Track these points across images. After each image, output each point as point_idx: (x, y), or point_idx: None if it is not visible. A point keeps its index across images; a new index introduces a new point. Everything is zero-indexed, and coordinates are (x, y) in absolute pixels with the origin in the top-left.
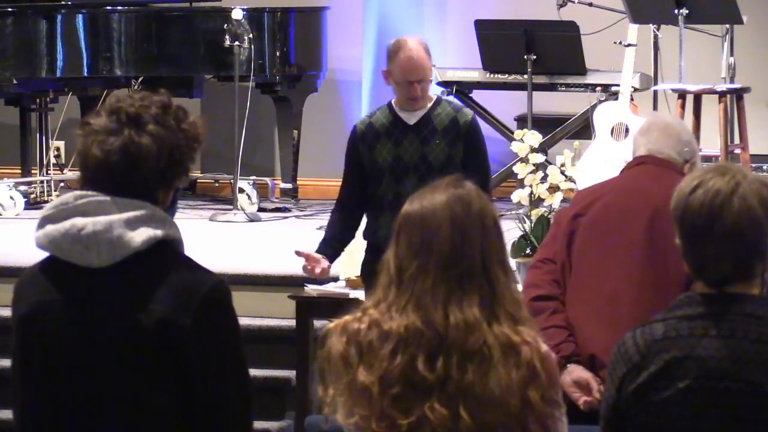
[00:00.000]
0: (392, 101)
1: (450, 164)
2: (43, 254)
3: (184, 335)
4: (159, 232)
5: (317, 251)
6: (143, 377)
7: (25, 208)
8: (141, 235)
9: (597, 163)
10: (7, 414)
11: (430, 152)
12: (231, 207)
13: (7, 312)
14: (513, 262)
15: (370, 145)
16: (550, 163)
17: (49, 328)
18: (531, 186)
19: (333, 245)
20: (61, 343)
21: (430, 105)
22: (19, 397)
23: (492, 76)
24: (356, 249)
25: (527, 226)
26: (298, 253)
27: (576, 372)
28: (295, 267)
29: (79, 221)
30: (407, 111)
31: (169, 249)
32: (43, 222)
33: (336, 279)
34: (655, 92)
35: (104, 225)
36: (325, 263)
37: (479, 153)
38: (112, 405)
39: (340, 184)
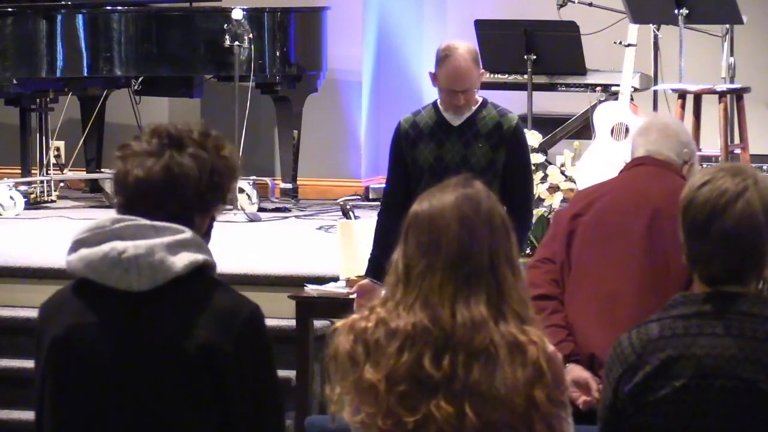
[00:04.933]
0: (437, 101)
1: (491, 169)
2: (39, 254)
3: (226, 360)
4: (199, 257)
5: (367, 273)
6: (183, 401)
7: (25, 208)
8: (182, 260)
9: (597, 163)
10: (7, 414)
11: (472, 155)
12: (231, 207)
13: (7, 312)
14: None
15: (413, 144)
16: (550, 163)
17: (87, 352)
18: None
19: (382, 264)
20: (100, 366)
21: (475, 107)
22: (51, 420)
23: (492, 76)
24: (358, 249)
25: None
26: (354, 293)
27: (575, 371)
28: (295, 267)
29: (119, 244)
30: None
31: (206, 274)
32: (77, 245)
33: (336, 279)
34: (655, 92)
35: (146, 249)
36: (377, 290)
37: (521, 159)
38: (150, 429)
39: (340, 184)
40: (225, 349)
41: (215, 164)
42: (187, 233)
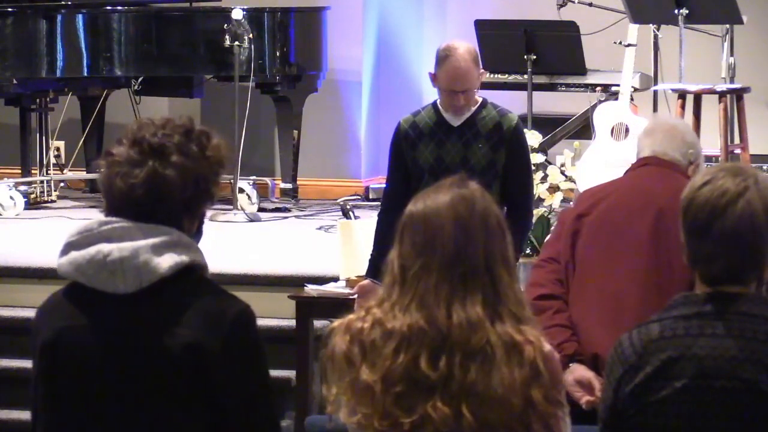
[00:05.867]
0: (437, 101)
1: (491, 169)
2: (39, 254)
3: (213, 359)
4: (185, 258)
5: (368, 273)
6: (172, 402)
7: (25, 208)
8: (167, 261)
9: (597, 163)
10: (7, 414)
11: (472, 156)
12: (231, 207)
13: (7, 312)
14: None
15: (413, 145)
16: (550, 163)
17: (76, 354)
18: None
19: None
20: (89, 368)
21: (475, 107)
22: (43, 421)
23: (492, 76)
24: (358, 249)
25: None
26: (355, 293)
27: (578, 371)
28: (295, 267)
29: (104, 247)
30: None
31: (194, 274)
32: (67, 248)
33: (336, 279)
34: (655, 92)
35: (130, 251)
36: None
37: (521, 159)
38: (141, 430)
39: (340, 184)
40: (212, 349)
41: (200, 171)
42: (173, 235)
